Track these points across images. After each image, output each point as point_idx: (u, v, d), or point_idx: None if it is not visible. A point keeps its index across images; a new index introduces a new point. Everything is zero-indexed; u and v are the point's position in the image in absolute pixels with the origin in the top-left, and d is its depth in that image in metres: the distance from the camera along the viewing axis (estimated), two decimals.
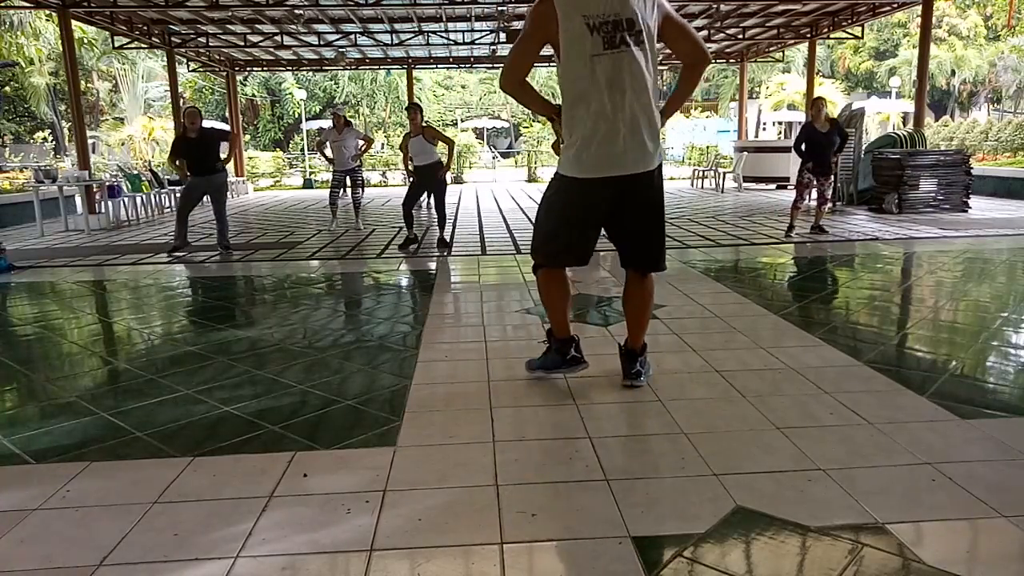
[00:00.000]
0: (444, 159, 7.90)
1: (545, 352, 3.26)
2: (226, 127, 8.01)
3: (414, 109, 7.94)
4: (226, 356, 3.88)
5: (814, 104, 8.13)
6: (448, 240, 7.96)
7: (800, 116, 24.15)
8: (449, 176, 8.34)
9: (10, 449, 2.69)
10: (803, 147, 8.02)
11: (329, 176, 11.16)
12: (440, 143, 7.81)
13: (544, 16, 2.79)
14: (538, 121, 33.96)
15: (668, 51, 3.43)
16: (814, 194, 8.18)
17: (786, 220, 8.42)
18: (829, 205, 8.49)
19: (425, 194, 8.26)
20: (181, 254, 7.72)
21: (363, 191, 10.17)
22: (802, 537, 1.96)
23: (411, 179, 7.93)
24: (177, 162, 7.75)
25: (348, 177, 9.88)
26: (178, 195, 9.11)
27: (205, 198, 8.45)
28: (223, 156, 7.96)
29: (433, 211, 8.09)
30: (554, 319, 3.18)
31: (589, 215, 2.97)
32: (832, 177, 8.15)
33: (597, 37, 2.75)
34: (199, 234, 9.46)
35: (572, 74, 2.82)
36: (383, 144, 27.95)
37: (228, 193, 16.66)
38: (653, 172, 2.91)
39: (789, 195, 14.13)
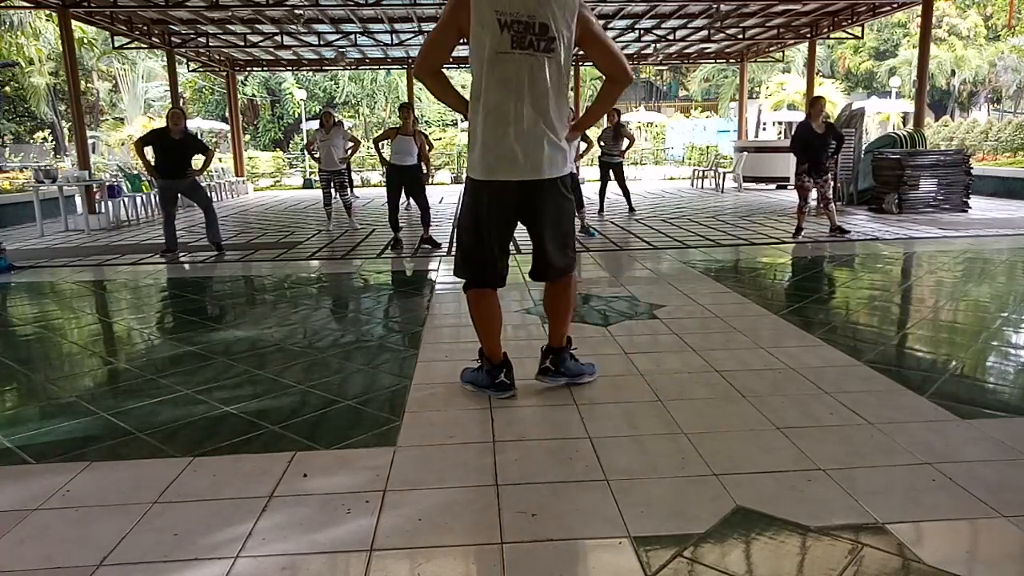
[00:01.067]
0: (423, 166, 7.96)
1: (477, 368, 3.15)
2: (208, 147, 7.89)
3: (408, 108, 7.98)
4: (226, 356, 3.88)
5: (814, 103, 8.04)
6: (435, 239, 7.96)
7: (800, 116, 24.15)
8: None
9: (10, 449, 2.69)
10: (799, 148, 7.98)
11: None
12: (422, 151, 7.86)
13: (459, 5, 2.72)
14: None
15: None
16: (814, 194, 8.14)
17: (786, 220, 8.43)
18: (838, 203, 8.40)
19: (404, 195, 8.27)
20: (172, 255, 7.69)
21: (351, 191, 10.14)
22: (802, 537, 1.96)
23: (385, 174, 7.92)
24: (144, 151, 7.63)
25: (335, 178, 9.82)
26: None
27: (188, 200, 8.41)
28: (196, 167, 7.84)
29: (418, 206, 8.11)
30: (483, 342, 3.06)
31: (497, 222, 2.88)
32: (830, 177, 8.07)
33: (506, 35, 2.67)
34: (199, 234, 9.45)
35: (476, 69, 2.76)
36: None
37: (230, 194, 16.81)
38: (552, 180, 2.84)
39: (789, 195, 14.15)
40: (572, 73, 2.85)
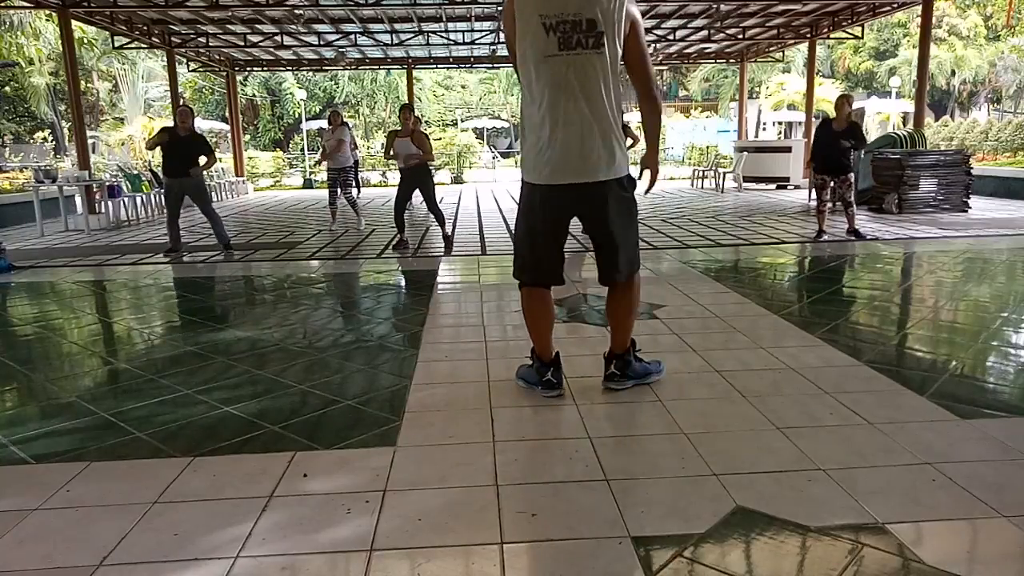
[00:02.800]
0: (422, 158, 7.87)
1: (529, 365, 3.17)
2: (212, 150, 7.88)
3: (408, 110, 7.94)
4: (226, 356, 3.88)
5: (836, 101, 7.91)
6: (451, 237, 7.94)
7: (800, 116, 24.15)
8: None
9: (10, 449, 2.69)
10: (813, 144, 7.89)
11: (325, 176, 11.17)
12: (423, 148, 7.80)
13: (508, 15, 2.77)
14: None
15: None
16: (827, 195, 8.00)
17: (785, 221, 8.40)
18: (839, 204, 8.18)
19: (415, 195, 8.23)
20: (176, 254, 7.70)
21: (354, 190, 10.14)
22: (802, 537, 1.96)
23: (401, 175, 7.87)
24: (157, 147, 7.66)
25: (340, 176, 9.86)
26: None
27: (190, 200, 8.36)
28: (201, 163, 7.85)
29: (428, 209, 8.07)
30: (534, 340, 3.07)
31: (552, 225, 2.89)
32: (848, 179, 7.80)
33: (553, 37, 2.65)
34: (200, 234, 9.46)
35: (526, 75, 2.77)
36: (383, 144, 27.93)
37: (230, 194, 16.81)
38: (610, 183, 2.79)
39: (789, 195, 14.16)
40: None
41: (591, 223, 2.94)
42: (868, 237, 7.93)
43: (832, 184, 7.93)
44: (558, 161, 2.75)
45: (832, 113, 7.95)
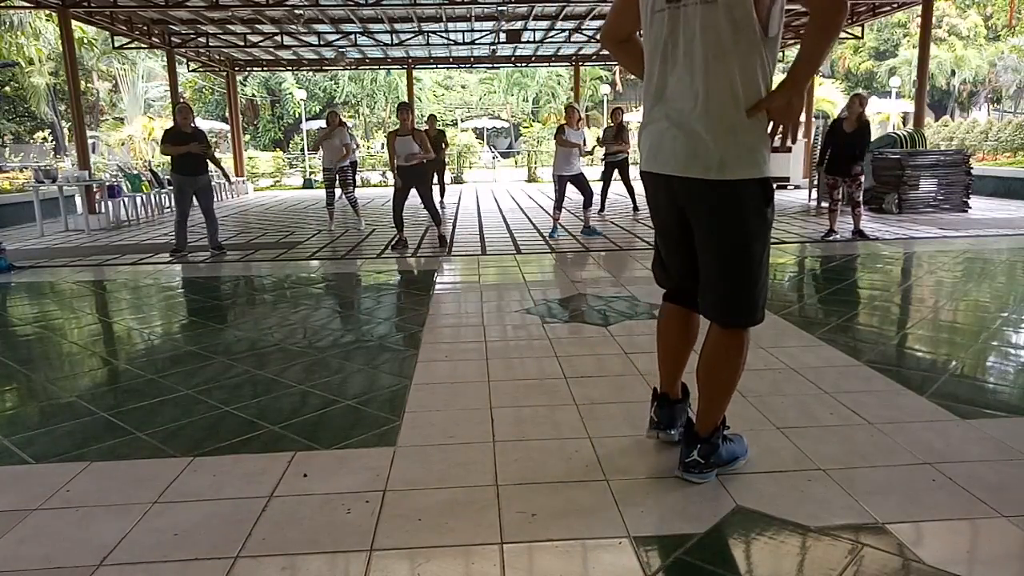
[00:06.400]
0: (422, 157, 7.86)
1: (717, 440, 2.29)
2: (209, 145, 7.87)
3: (406, 109, 7.91)
4: (226, 356, 3.88)
5: (849, 100, 7.89)
6: (447, 238, 7.93)
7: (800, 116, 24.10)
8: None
9: (10, 449, 2.69)
10: (824, 144, 7.85)
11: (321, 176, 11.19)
12: (424, 147, 7.80)
13: None
14: (539, 121, 34.01)
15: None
16: (837, 195, 7.95)
17: (785, 220, 8.39)
18: (863, 209, 8.10)
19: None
20: (182, 254, 7.71)
21: (353, 189, 10.14)
22: (802, 537, 1.96)
23: (396, 178, 7.83)
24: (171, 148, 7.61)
25: (338, 176, 9.85)
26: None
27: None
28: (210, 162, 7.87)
29: (424, 207, 8.05)
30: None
31: (662, 221, 2.33)
32: (857, 179, 7.77)
33: None
34: (200, 234, 9.45)
35: (643, 37, 2.22)
36: (383, 144, 27.92)
37: (230, 194, 16.81)
38: (715, 183, 2.05)
39: (789, 195, 14.15)
40: (775, 24, 2.01)
41: (694, 231, 2.20)
42: (871, 237, 7.94)
43: (842, 184, 7.91)
44: (654, 145, 2.19)
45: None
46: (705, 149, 2.04)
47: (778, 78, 2.08)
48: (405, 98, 22.14)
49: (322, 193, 10.50)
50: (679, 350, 2.46)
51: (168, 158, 7.64)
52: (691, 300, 2.32)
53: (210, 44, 16.20)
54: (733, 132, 2.03)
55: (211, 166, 7.83)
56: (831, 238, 7.87)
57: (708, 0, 1.98)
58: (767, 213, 2.10)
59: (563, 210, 8.66)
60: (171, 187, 12.26)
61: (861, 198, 7.91)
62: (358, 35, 15.92)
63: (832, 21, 1.95)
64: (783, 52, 20.19)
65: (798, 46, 2.10)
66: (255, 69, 21.99)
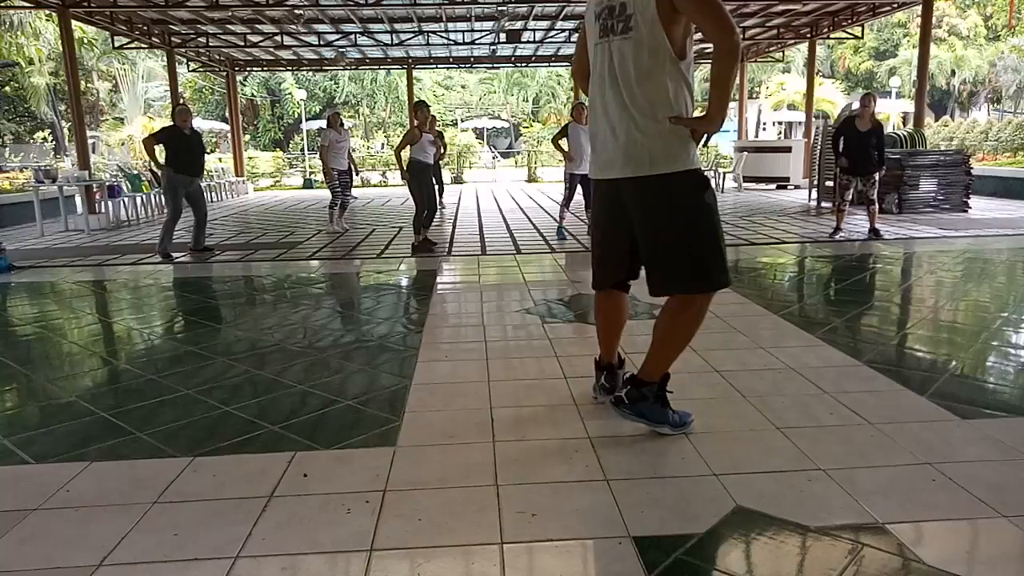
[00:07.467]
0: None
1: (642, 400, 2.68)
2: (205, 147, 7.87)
3: (427, 107, 7.86)
4: (226, 356, 3.88)
5: (860, 100, 7.89)
6: (431, 239, 7.93)
7: (800, 116, 24.15)
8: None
9: (10, 449, 2.69)
10: (840, 145, 7.81)
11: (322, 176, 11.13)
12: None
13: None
14: (539, 121, 34.02)
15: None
16: (848, 195, 7.94)
17: (786, 221, 8.39)
18: (877, 207, 8.07)
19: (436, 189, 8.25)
20: (171, 257, 7.62)
21: (350, 191, 10.12)
22: (802, 537, 1.96)
23: (405, 178, 7.75)
24: (156, 148, 7.48)
25: (342, 178, 9.83)
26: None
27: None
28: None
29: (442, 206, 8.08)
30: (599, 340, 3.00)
31: (604, 222, 2.79)
32: (873, 178, 7.76)
33: (597, 25, 2.60)
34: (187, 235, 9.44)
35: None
36: (383, 144, 27.95)
37: (230, 194, 16.81)
38: (653, 178, 2.49)
39: (789, 195, 14.16)
40: (687, 47, 2.51)
41: (635, 224, 2.61)
42: (886, 237, 7.94)
43: (857, 183, 7.87)
44: (599, 155, 2.68)
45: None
46: (639, 152, 2.50)
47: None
48: (405, 98, 22.16)
49: (322, 194, 10.47)
50: (620, 324, 2.97)
51: (167, 155, 7.59)
52: (623, 285, 2.85)
53: (210, 44, 16.21)
54: (660, 135, 2.48)
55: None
56: (837, 237, 7.88)
57: (627, 36, 2.48)
58: (705, 196, 2.53)
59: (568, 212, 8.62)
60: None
61: (876, 196, 7.91)
62: (358, 35, 15.92)
63: (726, 46, 2.35)
64: (783, 52, 20.21)
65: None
66: (255, 69, 22.00)
